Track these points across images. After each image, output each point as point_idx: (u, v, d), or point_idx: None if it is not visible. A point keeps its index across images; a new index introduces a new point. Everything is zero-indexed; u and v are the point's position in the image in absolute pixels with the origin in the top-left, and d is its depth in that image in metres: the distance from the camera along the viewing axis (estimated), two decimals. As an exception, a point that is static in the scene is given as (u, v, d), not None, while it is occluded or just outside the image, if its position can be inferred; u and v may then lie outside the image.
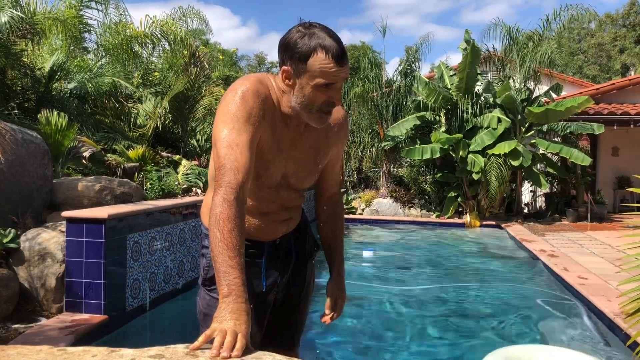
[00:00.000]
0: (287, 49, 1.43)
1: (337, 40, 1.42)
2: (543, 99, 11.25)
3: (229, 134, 1.39)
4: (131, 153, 6.58)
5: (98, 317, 3.98)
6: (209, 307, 1.61)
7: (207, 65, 8.54)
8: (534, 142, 11.03)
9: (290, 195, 1.69)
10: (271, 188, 1.61)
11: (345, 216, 7.05)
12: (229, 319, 1.17)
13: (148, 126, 7.62)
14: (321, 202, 1.88)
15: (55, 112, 5.56)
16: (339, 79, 1.43)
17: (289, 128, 1.57)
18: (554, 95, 11.28)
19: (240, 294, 1.22)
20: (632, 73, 25.50)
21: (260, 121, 1.44)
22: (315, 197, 1.90)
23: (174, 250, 5.09)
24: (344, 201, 9.84)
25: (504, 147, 10.15)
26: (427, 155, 10.62)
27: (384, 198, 11.92)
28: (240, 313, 1.19)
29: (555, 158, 12.01)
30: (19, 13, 6.71)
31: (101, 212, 4.14)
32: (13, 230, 4.16)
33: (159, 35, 9.23)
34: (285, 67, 1.45)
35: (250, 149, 1.39)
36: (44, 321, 3.91)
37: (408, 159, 11.81)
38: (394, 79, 13.09)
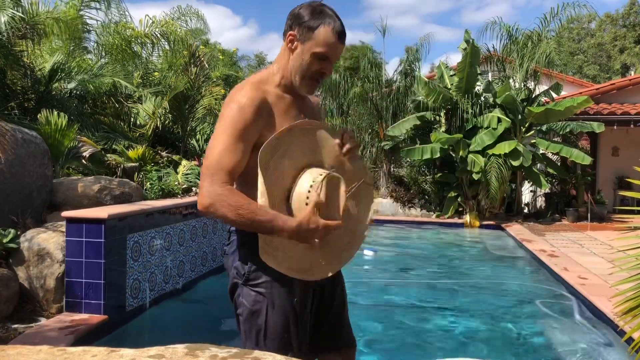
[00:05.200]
0: (298, 17, 1.64)
1: (341, 21, 1.67)
2: (543, 99, 11.24)
3: (223, 141, 1.60)
4: (131, 153, 6.58)
5: (98, 317, 3.97)
6: (257, 303, 1.63)
7: (207, 65, 8.53)
8: (534, 142, 11.03)
9: None
10: None
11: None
12: (307, 230, 1.52)
13: (148, 126, 7.61)
14: None
15: (55, 112, 5.56)
16: (335, 54, 1.65)
17: (299, 102, 1.72)
18: (554, 95, 11.28)
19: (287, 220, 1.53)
20: (632, 73, 25.51)
21: (255, 132, 1.60)
22: None
23: (174, 250, 5.09)
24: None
25: (504, 147, 10.14)
26: (427, 155, 10.62)
27: (384, 198, 11.92)
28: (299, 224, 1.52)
29: (555, 158, 12.00)
30: (19, 13, 6.70)
31: (101, 212, 4.14)
32: (13, 230, 4.16)
33: (158, 35, 9.23)
34: (291, 32, 1.65)
35: (244, 155, 1.59)
36: (43, 321, 3.91)
37: (408, 159, 11.80)
38: (394, 79, 13.06)
